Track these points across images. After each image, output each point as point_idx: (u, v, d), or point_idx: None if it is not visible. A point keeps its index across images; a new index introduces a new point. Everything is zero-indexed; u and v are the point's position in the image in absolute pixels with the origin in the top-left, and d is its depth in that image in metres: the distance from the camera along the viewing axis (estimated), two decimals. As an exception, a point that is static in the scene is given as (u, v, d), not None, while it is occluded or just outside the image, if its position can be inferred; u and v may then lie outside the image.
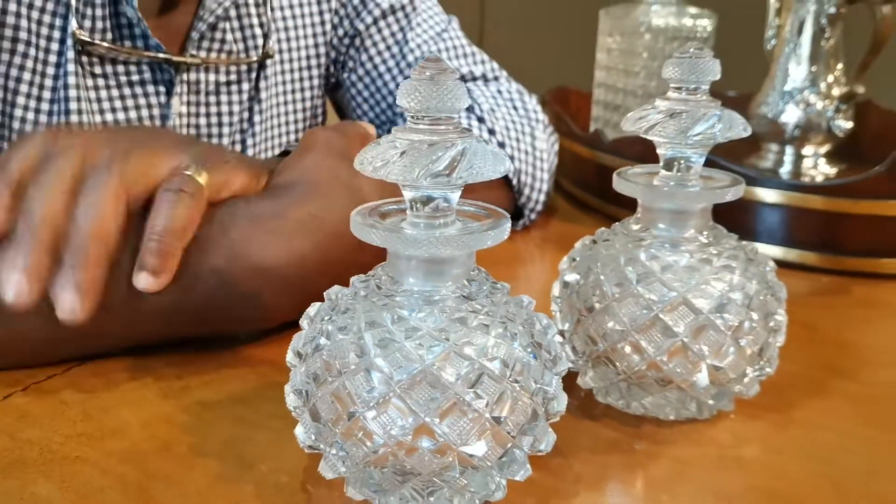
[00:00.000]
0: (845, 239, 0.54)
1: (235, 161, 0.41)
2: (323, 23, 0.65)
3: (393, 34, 0.66)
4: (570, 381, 0.36)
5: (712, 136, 0.32)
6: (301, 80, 0.66)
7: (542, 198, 0.64)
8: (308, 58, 0.66)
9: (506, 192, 0.62)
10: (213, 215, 0.39)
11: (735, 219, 0.57)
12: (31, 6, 0.51)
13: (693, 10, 0.81)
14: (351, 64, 0.67)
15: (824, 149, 0.79)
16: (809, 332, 0.45)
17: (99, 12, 0.53)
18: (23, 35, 0.52)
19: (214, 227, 0.38)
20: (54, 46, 0.53)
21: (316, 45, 0.66)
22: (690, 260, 0.33)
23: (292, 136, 0.67)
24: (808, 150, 0.79)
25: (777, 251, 0.56)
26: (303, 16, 0.64)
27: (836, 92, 0.77)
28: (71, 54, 0.53)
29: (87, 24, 0.53)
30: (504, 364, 0.27)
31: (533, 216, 0.65)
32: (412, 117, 0.27)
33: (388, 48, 0.66)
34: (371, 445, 0.27)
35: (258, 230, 0.39)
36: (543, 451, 0.29)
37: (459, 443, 0.26)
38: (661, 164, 0.35)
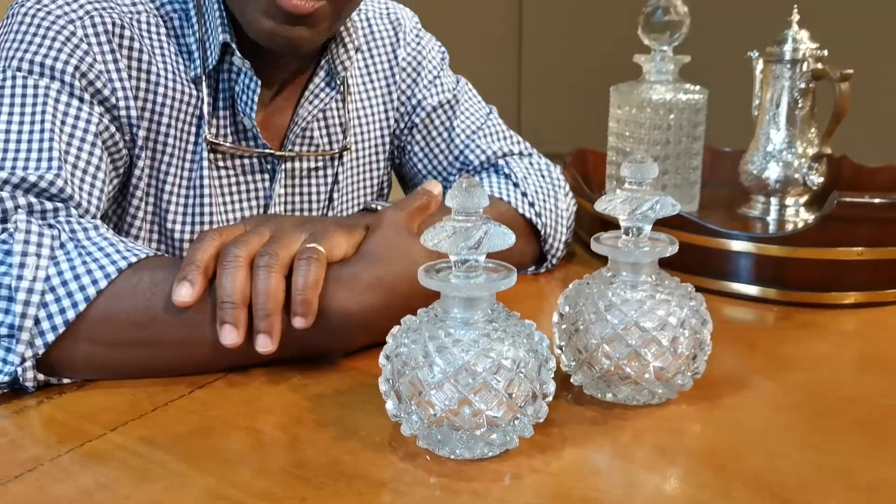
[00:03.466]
0: (791, 277, 0.70)
1: (339, 231, 0.59)
2: (387, 118, 0.85)
3: (442, 123, 0.86)
4: (565, 379, 0.53)
5: (650, 214, 0.49)
6: (370, 164, 0.85)
7: (561, 246, 0.82)
8: (376, 146, 0.85)
9: (535, 241, 0.80)
10: None
11: (710, 262, 0.74)
12: (177, 119, 0.71)
13: (688, 86, 0.98)
14: (409, 147, 0.86)
15: (803, 199, 0.95)
16: (749, 347, 0.61)
17: (223, 122, 0.73)
18: (171, 140, 0.71)
19: None
20: (191, 147, 0.72)
21: (382, 136, 0.85)
22: (642, 296, 0.50)
23: (366, 200, 0.86)
24: (789, 200, 0.95)
25: (742, 287, 0.72)
26: (373, 114, 0.84)
27: (809, 152, 0.93)
28: (204, 153, 0.72)
29: (214, 130, 0.73)
30: (514, 361, 0.44)
31: (555, 261, 0.82)
32: (455, 211, 0.44)
33: (440, 134, 0.86)
34: (433, 412, 0.44)
35: (341, 287, 0.56)
36: (541, 418, 0.46)
37: (486, 410, 0.43)
38: (622, 230, 0.52)
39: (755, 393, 0.54)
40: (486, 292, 0.44)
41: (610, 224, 0.56)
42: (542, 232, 0.79)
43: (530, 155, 0.87)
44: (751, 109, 1.00)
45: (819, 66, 0.91)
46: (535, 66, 2.77)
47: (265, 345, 0.53)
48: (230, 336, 0.52)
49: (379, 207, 0.68)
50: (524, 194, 0.79)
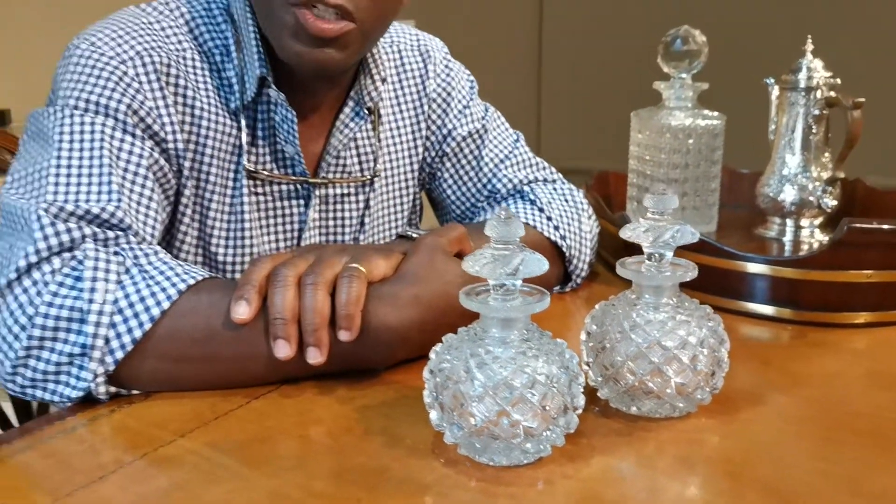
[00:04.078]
0: (805, 298, 0.74)
1: (378, 254, 0.64)
2: (416, 147, 0.90)
3: (472, 152, 0.91)
4: (593, 393, 0.57)
5: (671, 242, 0.53)
6: (401, 190, 0.90)
7: (585, 267, 0.86)
8: (405, 174, 0.90)
9: (560, 263, 0.84)
10: None
11: (729, 283, 0.78)
12: (218, 149, 0.75)
13: (706, 112, 1.02)
14: (440, 175, 0.91)
15: (818, 221, 0.99)
16: (764, 364, 0.65)
17: (262, 150, 0.78)
18: (213, 169, 0.76)
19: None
20: (231, 175, 0.77)
21: (412, 164, 0.90)
22: (664, 317, 0.54)
23: (394, 232, 0.91)
24: (804, 222, 0.99)
25: (758, 307, 0.76)
26: (402, 142, 0.89)
27: (823, 176, 0.97)
28: (243, 180, 0.77)
29: (253, 158, 0.78)
30: (547, 377, 0.49)
31: (579, 280, 0.86)
32: (494, 240, 0.49)
33: (469, 163, 0.91)
34: (473, 422, 0.49)
35: (383, 304, 0.61)
36: (571, 429, 0.50)
37: (522, 421, 0.48)
38: (645, 256, 0.56)
39: (769, 407, 0.58)
40: (521, 314, 0.49)
41: (632, 245, 0.60)
42: (567, 254, 0.83)
43: (554, 181, 0.92)
44: (767, 133, 1.04)
45: (832, 94, 0.95)
46: (555, 84, 2.83)
47: (314, 357, 0.58)
48: (283, 349, 0.57)
49: (414, 235, 0.74)
50: (549, 219, 0.83)
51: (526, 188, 0.89)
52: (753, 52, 2.35)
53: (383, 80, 0.83)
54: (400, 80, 0.89)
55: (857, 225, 0.70)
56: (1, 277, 0.60)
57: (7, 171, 1.09)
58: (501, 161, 0.90)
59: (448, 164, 0.91)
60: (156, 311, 0.58)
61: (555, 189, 0.89)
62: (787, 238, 0.99)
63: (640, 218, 0.56)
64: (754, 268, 0.76)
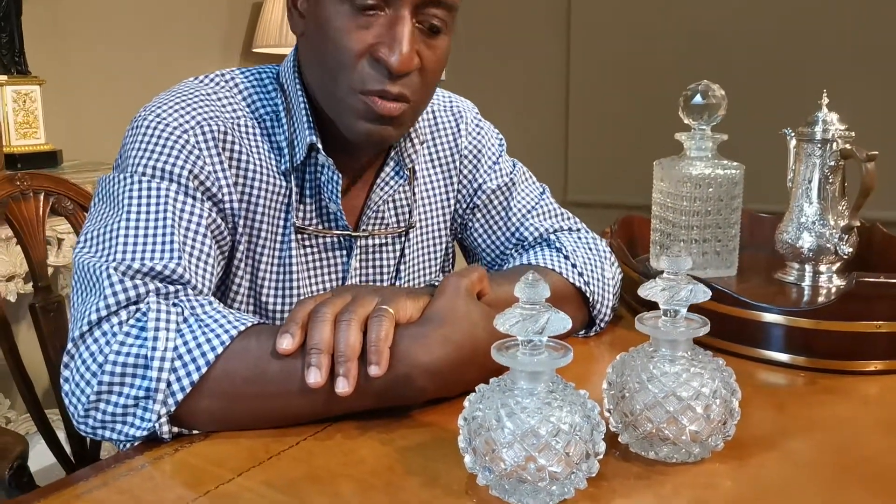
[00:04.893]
0: (818, 346, 0.78)
1: (406, 296, 0.69)
2: (448, 200, 0.97)
3: (500, 203, 0.97)
4: (613, 438, 0.62)
5: (686, 300, 0.58)
6: (433, 240, 0.97)
7: (608, 312, 0.91)
8: (438, 224, 0.97)
9: (584, 308, 0.89)
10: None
11: (746, 331, 0.82)
12: (269, 207, 0.83)
13: (726, 161, 1.06)
14: (470, 225, 0.98)
15: (836, 266, 1.02)
16: (777, 409, 0.70)
17: (309, 207, 0.85)
18: (264, 226, 0.83)
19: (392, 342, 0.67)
20: (281, 230, 0.84)
21: (444, 216, 0.97)
22: (679, 369, 0.59)
23: (429, 277, 0.97)
24: (823, 267, 1.03)
25: (774, 354, 0.80)
26: (436, 196, 0.96)
27: (840, 224, 1.01)
28: (292, 234, 0.84)
29: (301, 215, 0.85)
30: (570, 426, 0.53)
31: (602, 325, 0.91)
32: (522, 301, 0.54)
33: (498, 213, 0.97)
34: (504, 466, 0.54)
35: (414, 344, 0.66)
36: (593, 473, 0.55)
37: (548, 465, 0.53)
38: (661, 311, 0.61)
39: (781, 452, 0.62)
40: (547, 368, 0.54)
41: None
42: (591, 299, 0.88)
43: (579, 230, 0.98)
44: (785, 179, 1.08)
45: (847, 146, 0.99)
46: (581, 127, 2.91)
47: (342, 386, 0.63)
48: (314, 376, 0.63)
49: None
50: (574, 265, 0.89)
51: (552, 237, 0.95)
52: (773, 101, 2.41)
53: (422, 143, 0.90)
54: (434, 139, 0.96)
55: (866, 279, 0.74)
56: (75, 329, 0.67)
57: (60, 213, 1.17)
58: (529, 212, 0.97)
59: (479, 215, 0.97)
60: (211, 356, 0.64)
61: (579, 238, 0.95)
62: (806, 283, 1.03)
63: (657, 277, 0.61)
64: (770, 317, 0.80)
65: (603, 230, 1.45)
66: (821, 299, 0.97)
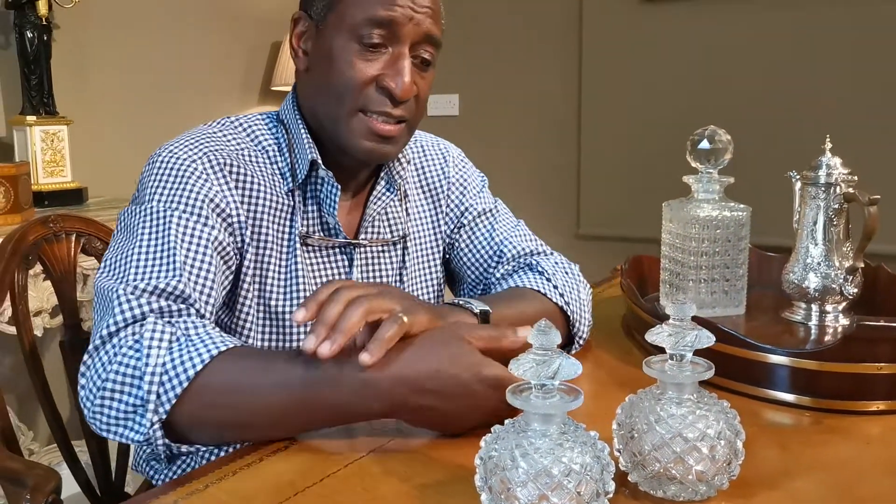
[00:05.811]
0: (822, 387, 0.80)
1: (426, 313, 0.75)
2: (437, 221, 1.08)
3: (485, 225, 1.08)
4: (623, 476, 0.65)
5: (690, 345, 0.61)
6: (428, 255, 1.07)
7: (586, 330, 1.00)
8: (429, 239, 1.07)
9: (565, 326, 0.97)
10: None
11: (752, 371, 0.85)
12: (273, 221, 0.91)
13: (733, 203, 1.10)
14: (457, 244, 1.09)
15: (841, 306, 1.05)
16: (781, 448, 0.72)
17: (311, 220, 0.94)
18: (270, 238, 0.92)
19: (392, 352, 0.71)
20: (286, 241, 0.93)
21: (434, 233, 1.07)
22: (685, 411, 0.62)
23: (432, 285, 1.06)
24: (829, 307, 1.05)
25: (779, 394, 0.83)
26: (424, 213, 1.07)
27: (845, 265, 1.03)
28: (297, 245, 0.93)
29: (305, 227, 0.94)
30: (581, 466, 0.56)
31: (581, 342, 0.99)
32: (535, 347, 0.58)
33: (482, 236, 1.08)
34: (518, 504, 0.57)
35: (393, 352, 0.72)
36: (603, 511, 0.58)
37: (560, 504, 0.56)
38: (668, 356, 0.64)
39: (784, 492, 0.65)
40: (559, 411, 0.57)
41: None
42: (571, 318, 0.97)
43: (552, 254, 1.08)
44: (791, 218, 1.11)
45: (850, 190, 1.02)
46: (593, 158, 2.97)
47: (324, 348, 0.68)
48: (309, 342, 0.69)
49: (466, 306, 0.85)
50: (556, 287, 0.98)
51: (532, 260, 1.04)
52: (779, 145, 2.47)
53: (409, 162, 1.03)
54: (422, 164, 1.08)
55: (866, 323, 0.77)
56: (91, 343, 0.77)
57: (91, 253, 1.22)
58: (510, 232, 1.08)
59: (464, 234, 1.08)
60: (191, 372, 0.72)
61: (557, 262, 1.05)
62: (813, 322, 1.05)
63: (664, 323, 0.64)
64: (775, 358, 0.83)
65: (613, 268, 1.48)
66: (827, 339, 1.00)
